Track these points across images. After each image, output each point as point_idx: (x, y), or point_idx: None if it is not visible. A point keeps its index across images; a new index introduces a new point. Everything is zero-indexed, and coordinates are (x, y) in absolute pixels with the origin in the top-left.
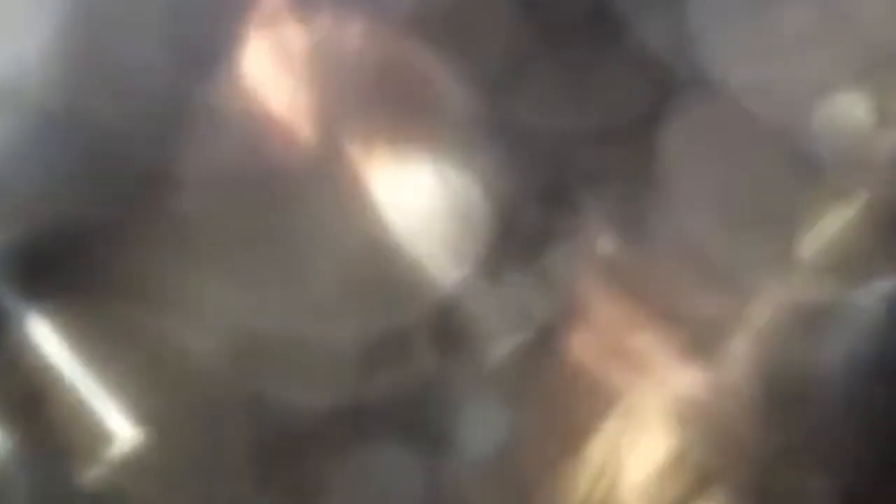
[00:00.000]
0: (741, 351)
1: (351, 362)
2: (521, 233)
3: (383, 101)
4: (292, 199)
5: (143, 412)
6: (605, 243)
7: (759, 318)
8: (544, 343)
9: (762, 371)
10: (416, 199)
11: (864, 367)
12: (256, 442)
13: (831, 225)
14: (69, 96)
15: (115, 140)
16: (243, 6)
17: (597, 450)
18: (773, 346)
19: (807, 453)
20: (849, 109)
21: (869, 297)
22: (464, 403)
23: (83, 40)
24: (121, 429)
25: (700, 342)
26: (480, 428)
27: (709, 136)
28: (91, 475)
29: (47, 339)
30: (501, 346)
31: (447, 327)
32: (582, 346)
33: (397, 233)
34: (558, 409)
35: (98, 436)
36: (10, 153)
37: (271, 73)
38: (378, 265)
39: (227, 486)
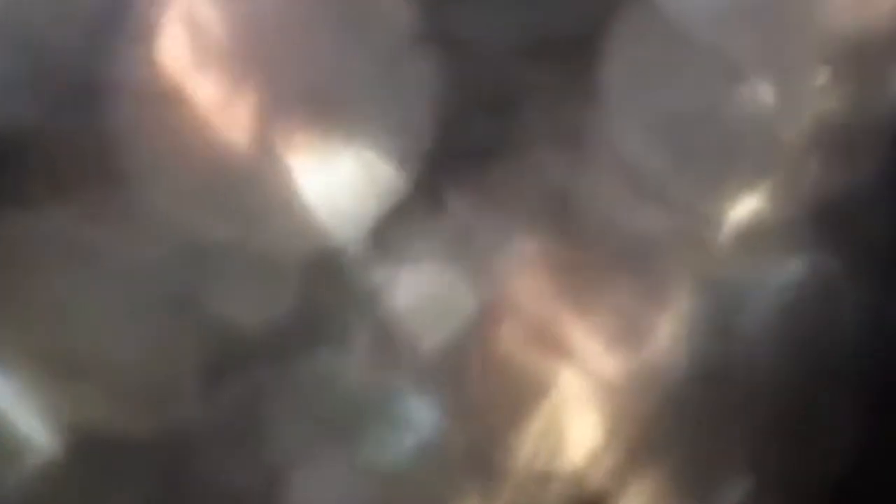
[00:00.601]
0: (665, 335)
1: (290, 276)
2: (463, 148)
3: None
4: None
5: (80, 323)
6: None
7: (680, 299)
8: (474, 333)
9: (686, 353)
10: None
11: (782, 343)
12: (200, 355)
13: (743, 208)
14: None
15: (50, 49)
16: None
17: (530, 435)
18: (698, 327)
19: (733, 431)
20: (754, 95)
21: (781, 277)
22: (398, 394)
23: None
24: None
25: (625, 328)
26: (414, 417)
27: (648, 52)
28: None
29: None
30: (432, 337)
31: (385, 247)
32: (510, 335)
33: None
34: (489, 398)
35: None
36: None
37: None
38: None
39: (172, 400)
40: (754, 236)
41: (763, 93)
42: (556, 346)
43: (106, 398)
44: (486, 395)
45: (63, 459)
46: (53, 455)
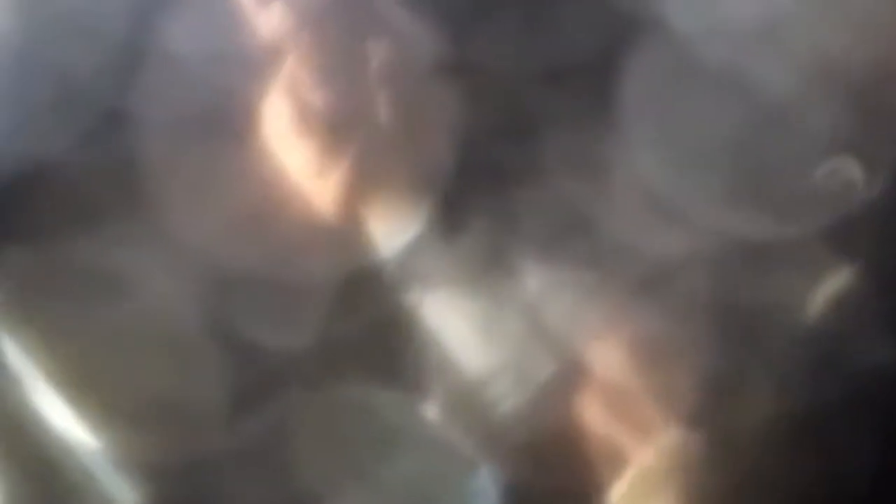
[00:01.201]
0: (744, 414)
1: (320, 302)
2: (482, 172)
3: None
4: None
5: (110, 353)
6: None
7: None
8: (549, 404)
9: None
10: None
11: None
12: (227, 383)
13: (830, 286)
14: (30, 35)
15: (73, 79)
16: None
17: None
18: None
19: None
20: (842, 172)
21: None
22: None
23: None
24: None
25: (705, 404)
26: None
27: (663, 76)
28: None
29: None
30: (505, 407)
31: (409, 268)
32: (587, 407)
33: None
34: (564, 472)
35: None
36: None
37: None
38: (341, 206)
39: (199, 428)
40: (841, 315)
41: (852, 169)
42: (635, 420)
43: (136, 426)
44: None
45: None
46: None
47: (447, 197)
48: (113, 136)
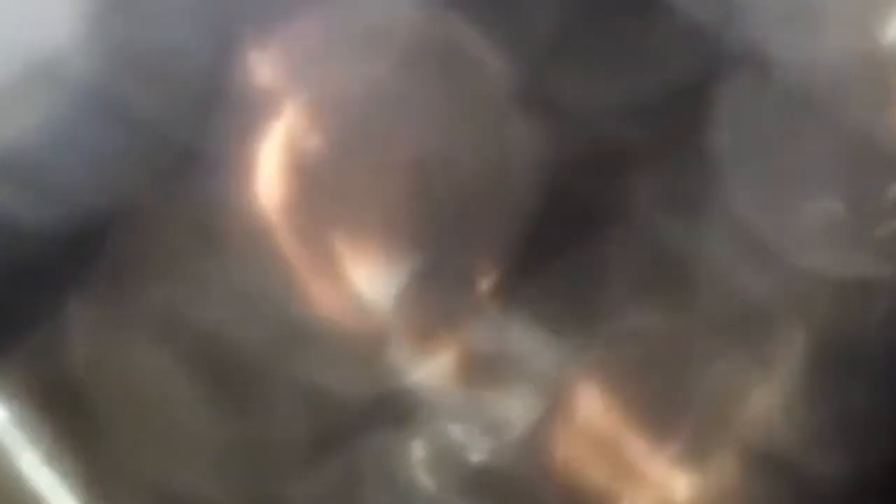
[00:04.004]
0: (732, 461)
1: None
2: (568, 210)
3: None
4: None
5: (184, 397)
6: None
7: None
8: (530, 444)
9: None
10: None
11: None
12: (301, 429)
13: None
14: (106, 79)
15: (151, 123)
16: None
17: None
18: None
19: None
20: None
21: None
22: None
23: (120, 23)
24: None
25: (691, 451)
26: None
27: (756, 108)
28: None
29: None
30: (482, 450)
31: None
32: (570, 447)
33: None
34: None
35: None
36: (48, 136)
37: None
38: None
39: (274, 473)
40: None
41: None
42: (619, 463)
43: (205, 471)
44: None
45: None
46: None
47: (531, 238)
48: (191, 179)
